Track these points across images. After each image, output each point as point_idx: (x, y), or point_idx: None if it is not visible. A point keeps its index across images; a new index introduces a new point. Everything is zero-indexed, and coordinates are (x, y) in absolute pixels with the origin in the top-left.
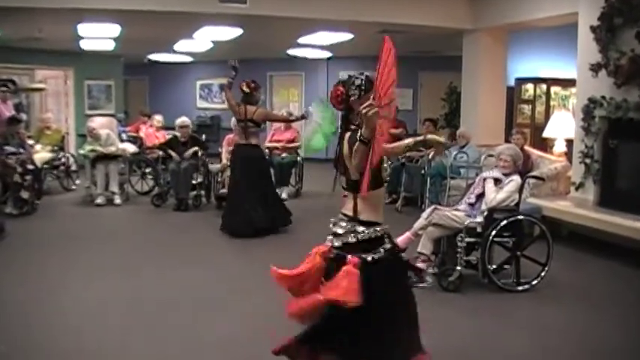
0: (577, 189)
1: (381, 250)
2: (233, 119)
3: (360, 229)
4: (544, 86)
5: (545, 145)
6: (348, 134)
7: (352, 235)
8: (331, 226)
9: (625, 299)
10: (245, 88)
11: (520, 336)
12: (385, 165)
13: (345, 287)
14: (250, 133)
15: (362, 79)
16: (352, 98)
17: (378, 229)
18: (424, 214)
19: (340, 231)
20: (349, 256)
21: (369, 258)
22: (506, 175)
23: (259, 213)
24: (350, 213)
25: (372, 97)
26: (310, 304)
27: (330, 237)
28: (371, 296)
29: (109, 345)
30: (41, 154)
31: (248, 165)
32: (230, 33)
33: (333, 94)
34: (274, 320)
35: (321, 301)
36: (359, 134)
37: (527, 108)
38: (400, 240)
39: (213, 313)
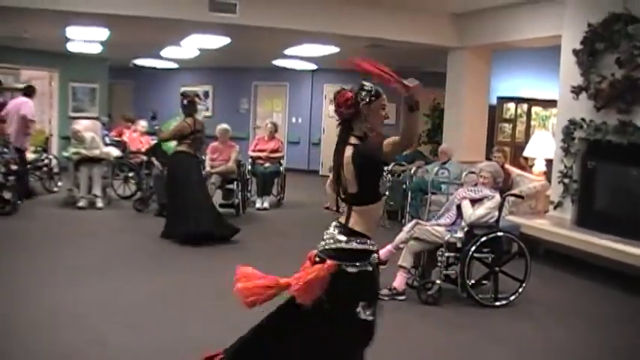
0: (555, 208)
1: (361, 264)
2: (219, 127)
3: (344, 238)
4: (525, 106)
5: (525, 163)
6: (350, 149)
7: (335, 241)
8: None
9: (600, 318)
10: (198, 101)
11: (496, 350)
12: (384, 178)
13: (307, 281)
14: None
15: (371, 86)
16: (362, 103)
17: (367, 241)
18: (406, 228)
19: (326, 236)
20: (328, 261)
21: (349, 269)
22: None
23: (199, 220)
24: (342, 221)
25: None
26: (266, 283)
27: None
28: (322, 309)
29: (91, 344)
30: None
31: (195, 174)
32: (218, 41)
33: (340, 99)
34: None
35: (278, 284)
36: (406, 101)
37: (507, 127)
38: (381, 253)
39: (194, 314)
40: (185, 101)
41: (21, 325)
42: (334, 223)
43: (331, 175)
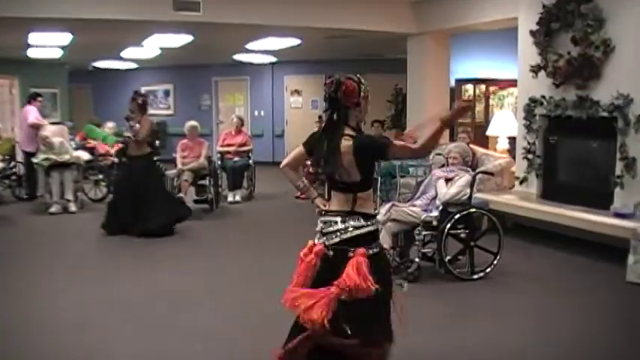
0: (521, 183)
1: (378, 244)
2: (188, 124)
3: (364, 222)
4: (483, 86)
5: (487, 142)
6: (348, 140)
7: (354, 228)
8: (322, 226)
9: (568, 284)
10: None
11: (478, 320)
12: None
13: (358, 276)
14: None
15: (364, 80)
16: (362, 95)
17: (374, 221)
18: (383, 211)
19: (338, 227)
20: (353, 250)
21: (371, 252)
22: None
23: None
24: (347, 208)
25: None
26: (324, 299)
27: (323, 237)
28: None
29: (80, 344)
30: None
31: (151, 171)
32: (180, 40)
33: (349, 89)
34: (237, 317)
35: (336, 292)
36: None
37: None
38: None
39: (182, 309)
40: (140, 100)
41: (5, 329)
42: (336, 212)
43: (293, 155)
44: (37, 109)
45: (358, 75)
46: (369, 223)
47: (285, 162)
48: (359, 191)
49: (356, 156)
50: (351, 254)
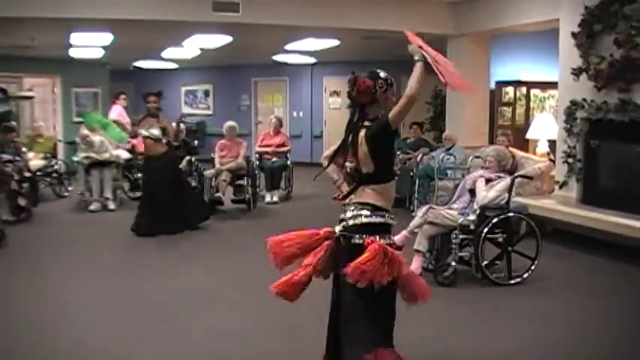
0: (561, 187)
1: (390, 237)
2: (227, 125)
3: (368, 212)
4: (524, 89)
5: (525, 145)
6: (363, 131)
7: (360, 217)
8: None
9: (607, 290)
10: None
11: (515, 326)
12: (397, 158)
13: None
14: None
15: (385, 74)
16: (380, 90)
17: (386, 215)
18: (420, 213)
19: (348, 214)
20: (368, 238)
21: (384, 242)
22: (496, 175)
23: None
24: (361, 200)
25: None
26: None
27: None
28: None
29: (114, 342)
30: (34, 162)
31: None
32: (220, 40)
33: (361, 86)
34: (262, 315)
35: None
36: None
37: (507, 110)
38: (397, 238)
39: (213, 308)
40: (163, 98)
41: (43, 326)
42: (353, 202)
43: (329, 150)
44: (121, 107)
45: (378, 70)
46: (378, 214)
47: (325, 154)
48: (373, 183)
49: (369, 144)
50: (357, 241)
